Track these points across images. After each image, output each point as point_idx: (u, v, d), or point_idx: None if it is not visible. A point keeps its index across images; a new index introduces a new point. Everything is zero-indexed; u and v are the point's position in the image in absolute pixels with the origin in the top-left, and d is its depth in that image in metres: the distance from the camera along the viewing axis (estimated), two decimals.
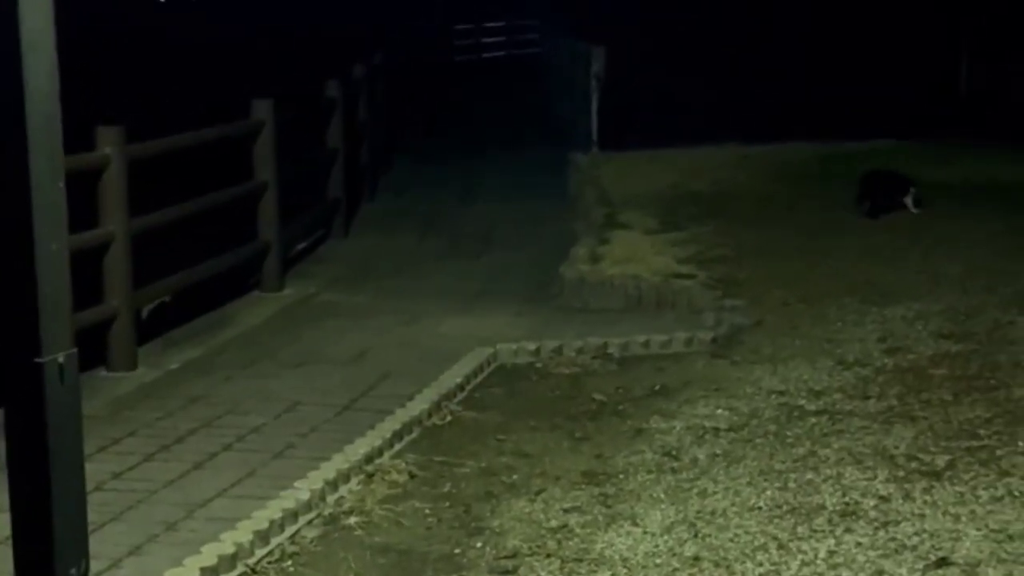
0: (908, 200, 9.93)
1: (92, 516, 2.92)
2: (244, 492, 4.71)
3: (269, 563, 4.23)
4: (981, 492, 4.58)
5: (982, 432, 5.19)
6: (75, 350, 2.62)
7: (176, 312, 7.48)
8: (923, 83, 17.74)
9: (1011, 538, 4.18)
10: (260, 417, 5.58)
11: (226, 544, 4.21)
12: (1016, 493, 4.56)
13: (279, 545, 4.35)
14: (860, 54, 18.57)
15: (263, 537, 4.33)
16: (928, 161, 12.55)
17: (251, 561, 4.21)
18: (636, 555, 4.21)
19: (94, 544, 2.82)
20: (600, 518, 4.52)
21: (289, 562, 4.26)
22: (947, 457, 4.93)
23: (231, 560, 4.16)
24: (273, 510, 4.49)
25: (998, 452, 4.96)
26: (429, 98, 19.42)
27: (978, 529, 4.26)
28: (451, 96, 20.94)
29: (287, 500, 4.58)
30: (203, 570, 4.04)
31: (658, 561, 4.16)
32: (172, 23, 20.91)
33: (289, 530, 4.45)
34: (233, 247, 8.01)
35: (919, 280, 7.77)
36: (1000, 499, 4.51)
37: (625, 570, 4.11)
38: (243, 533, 4.29)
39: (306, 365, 6.45)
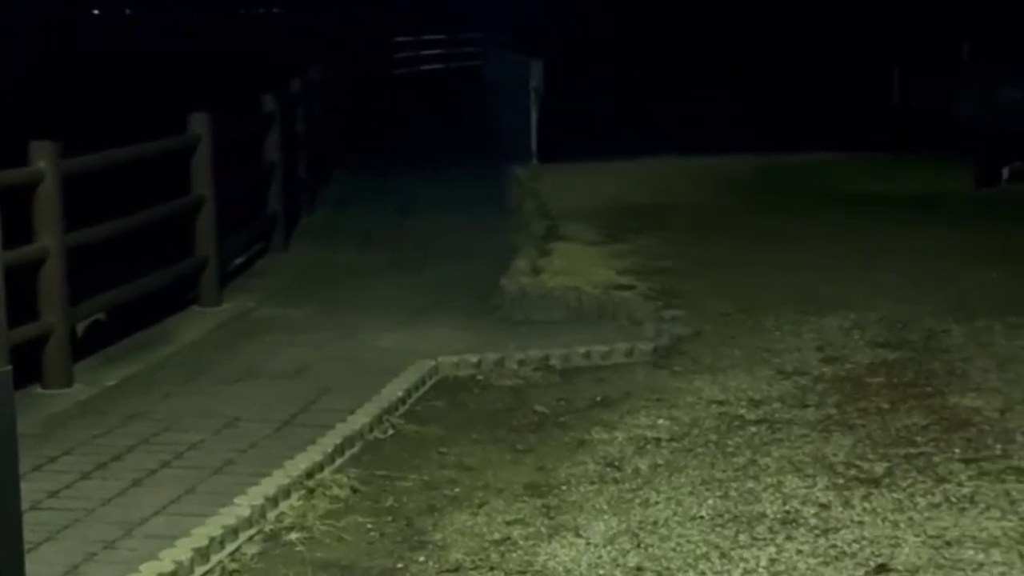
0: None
1: (28, 536, 2.88)
2: (183, 509, 4.66)
3: None
4: (919, 499, 4.63)
5: (919, 439, 5.26)
6: (9, 367, 2.58)
7: (113, 328, 7.39)
8: (859, 97, 17.97)
9: (949, 544, 4.24)
10: (199, 433, 5.52)
11: (165, 562, 4.16)
12: (953, 499, 4.62)
13: (219, 562, 4.31)
14: (798, 69, 18.78)
15: (203, 554, 4.29)
16: (864, 174, 12.73)
17: None
18: (579, 566, 4.21)
19: (30, 564, 2.78)
20: (543, 530, 4.52)
21: None
22: (885, 464, 4.98)
23: None
24: (213, 527, 4.44)
25: (935, 459, 5.03)
26: (368, 111, 19.38)
27: (916, 535, 4.31)
28: (390, 109, 20.90)
29: (227, 517, 4.54)
30: None
31: (601, 572, 4.16)
32: (109, 37, 20.75)
33: (229, 547, 4.41)
34: (171, 262, 7.93)
35: (856, 290, 7.86)
36: (938, 505, 4.57)
37: None
38: (182, 551, 4.25)
39: (245, 380, 6.40)
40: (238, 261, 9.43)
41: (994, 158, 12.80)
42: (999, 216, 10.42)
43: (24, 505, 2.87)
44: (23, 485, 2.77)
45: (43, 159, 6.29)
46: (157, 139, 8.09)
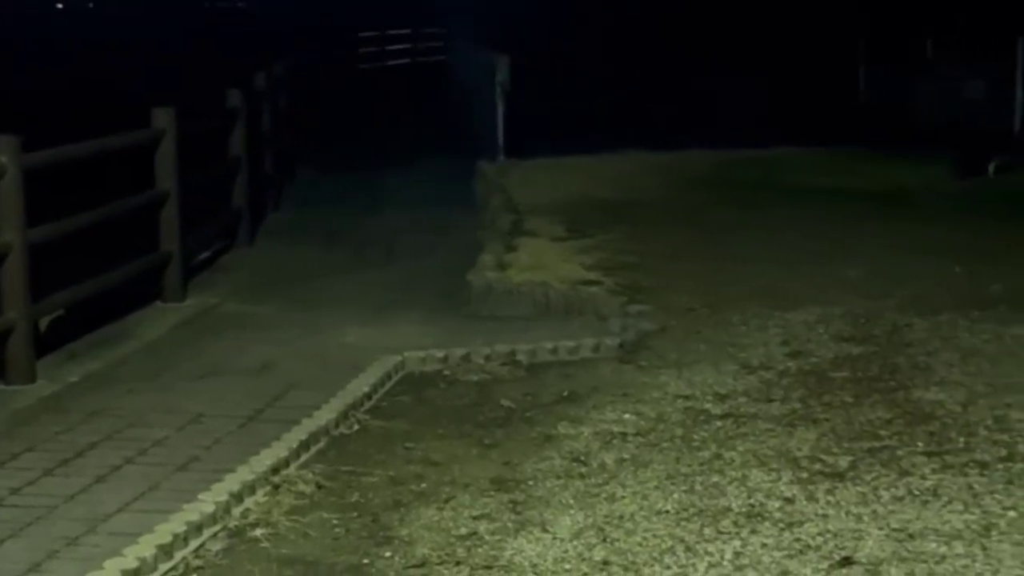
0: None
1: None
2: (147, 506, 4.63)
3: None
4: (883, 492, 4.66)
5: (883, 433, 5.29)
6: None
7: (76, 324, 7.34)
8: (823, 92, 18.07)
9: (912, 537, 4.27)
10: (163, 430, 5.49)
11: (129, 559, 4.14)
12: (916, 492, 4.65)
13: (183, 559, 4.28)
14: (761, 63, 18.86)
15: (167, 551, 4.26)
16: (828, 169, 12.79)
17: None
18: (545, 561, 4.21)
19: None
20: (509, 525, 4.52)
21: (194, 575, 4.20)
22: (849, 458, 5.01)
23: (134, 575, 4.08)
24: (177, 524, 4.42)
25: (898, 452, 5.06)
26: (334, 107, 19.31)
27: (880, 528, 4.34)
28: (356, 104, 20.84)
29: (191, 513, 4.51)
30: None
31: (567, 567, 4.17)
32: (73, 30, 20.58)
33: (193, 544, 4.38)
34: (135, 257, 7.88)
35: (820, 285, 7.90)
36: (901, 499, 4.60)
37: None
38: (146, 547, 4.22)
39: (210, 376, 6.36)
40: (202, 257, 9.38)
41: (979, 152, 12.91)
42: (962, 210, 10.50)
43: None
44: None
45: (5, 153, 6.24)
46: (120, 133, 8.05)
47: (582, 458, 5.16)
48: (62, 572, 4.07)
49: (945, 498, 4.58)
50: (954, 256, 8.58)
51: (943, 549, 4.17)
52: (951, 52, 18.04)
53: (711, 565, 4.12)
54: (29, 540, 4.32)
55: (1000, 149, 13.06)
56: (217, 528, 4.52)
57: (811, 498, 4.62)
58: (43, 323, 7.00)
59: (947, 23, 18.31)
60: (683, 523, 4.45)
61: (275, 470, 5.01)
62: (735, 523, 4.43)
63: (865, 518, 4.43)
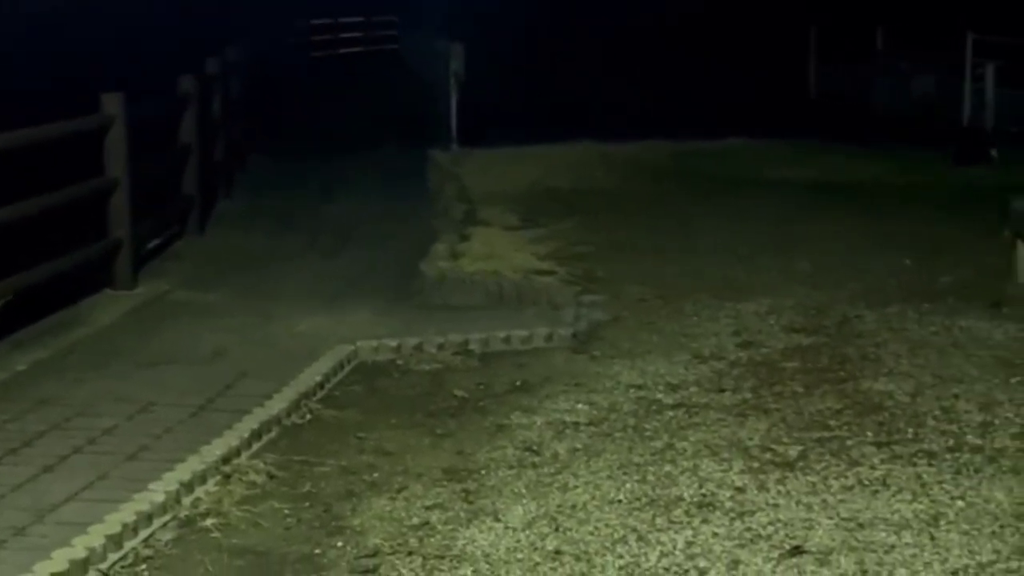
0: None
1: None
2: (96, 495, 4.58)
3: (123, 567, 4.13)
4: (832, 482, 4.70)
5: (832, 423, 5.33)
6: None
7: (23, 312, 7.25)
8: (774, 85, 18.18)
9: (862, 526, 4.30)
10: (112, 419, 5.43)
11: (77, 549, 4.09)
12: (866, 482, 4.69)
13: (133, 549, 4.25)
14: (714, 56, 18.94)
15: (116, 541, 4.22)
16: (780, 161, 12.87)
17: (104, 566, 4.10)
18: (498, 550, 4.21)
19: None
20: (462, 514, 4.52)
21: (143, 566, 4.16)
22: (799, 448, 5.05)
23: (83, 565, 4.04)
24: (126, 513, 4.37)
25: (848, 442, 5.10)
26: (286, 94, 19.18)
27: (830, 518, 4.37)
28: (308, 92, 20.72)
29: (141, 503, 4.47)
30: (53, 575, 3.93)
31: (520, 556, 4.17)
32: (21, 16, 20.30)
33: (143, 533, 4.35)
34: (84, 244, 7.79)
35: (771, 276, 7.96)
36: (851, 488, 4.64)
37: (487, 566, 4.11)
38: (95, 537, 4.18)
39: (160, 365, 6.31)
40: (153, 244, 9.30)
41: (978, 141, 13.06)
42: (913, 203, 10.59)
43: None
44: None
45: None
46: (69, 119, 7.95)
47: (535, 448, 5.17)
48: (10, 562, 4.02)
49: (894, 488, 4.62)
50: (904, 248, 8.66)
51: (892, 538, 4.20)
52: (901, 46, 18.20)
53: (663, 554, 4.14)
54: None
55: (996, 139, 13.23)
56: (167, 518, 4.48)
57: (762, 488, 4.65)
58: None
59: (898, 17, 18.47)
60: (635, 513, 4.46)
61: (226, 460, 4.97)
62: (687, 512, 4.45)
63: (815, 508, 4.46)
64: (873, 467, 4.83)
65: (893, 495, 4.56)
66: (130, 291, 7.95)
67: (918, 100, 16.46)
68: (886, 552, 4.11)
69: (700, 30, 19.65)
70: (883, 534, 4.24)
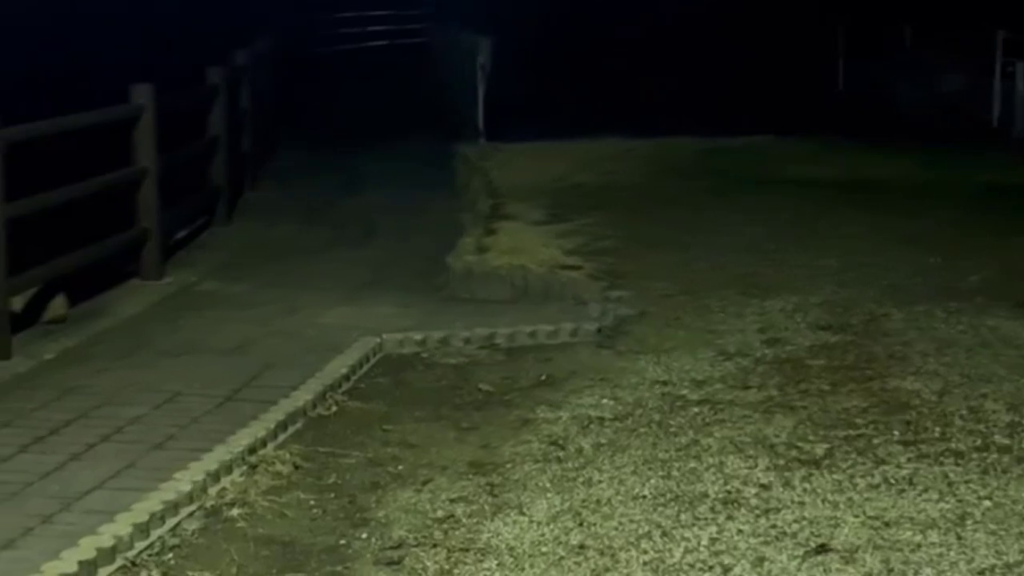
0: None
1: None
2: (123, 484, 4.61)
3: (149, 556, 4.15)
4: (858, 480, 4.69)
5: (859, 421, 5.32)
6: None
7: (53, 301, 7.28)
8: (802, 82, 18.10)
9: (887, 525, 4.29)
10: (139, 408, 5.46)
11: (104, 537, 4.12)
12: (892, 481, 4.67)
13: (160, 538, 4.27)
14: (740, 52, 18.88)
15: (143, 530, 4.25)
16: (807, 158, 12.82)
17: (131, 554, 4.12)
18: (522, 544, 4.22)
19: None
20: (486, 508, 4.52)
21: (170, 555, 4.18)
22: (825, 446, 5.03)
23: (110, 553, 4.07)
24: (153, 502, 4.40)
25: (874, 441, 5.09)
26: (313, 86, 19.23)
27: (856, 516, 4.36)
28: (335, 84, 20.75)
29: (167, 492, 4.50)
30: (81, 563, 3.95)
31: (544, 550, 4.17)
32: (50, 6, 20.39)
33: (170, 522, 4.37)
34: (113, 234, 7.83)
35: (797, 273, 7.93)
36: (877, 487, 4.62)
37: (511, 559, 4.12)
38: (122, 526, 4.20)
39: (187, 355, 6.34)
40: (181, 235, 9.34)
41: None
42: (940, 201, 10.53)
43: None
44: None
45: None
46: (99, 109, 8.00)
47: (560, 442, 5.17)
48: (37, 549, 4.05)
49: (921, 487, 4.61)
50: (931, 247, 8.62)
51: (918, 537, 4.19)
52: (930, 44, 18.10)
53: (687, 551, 4.13)
54: (3, 517, 4.30)
55: None
56: (193, 507, 4.50)
57: (787, 485, 4.64)
58: (20, 299, 6.95)
59: (926, 15, 18.36)
60: (660, 508, 4.46)
61: (252, 450, 4.99)
62: (712, 509, 4.44)
63: (841, 506, 4.45)
64: (900, 466, 4.82)
65: (919, 494, 4.55)
66: (157, 281, 7.99)
67: (946, 99, 16.36)
68: (912, 551, 4.10)
69: (728, 27, 19.58)
70: (909, 533, 4.23)
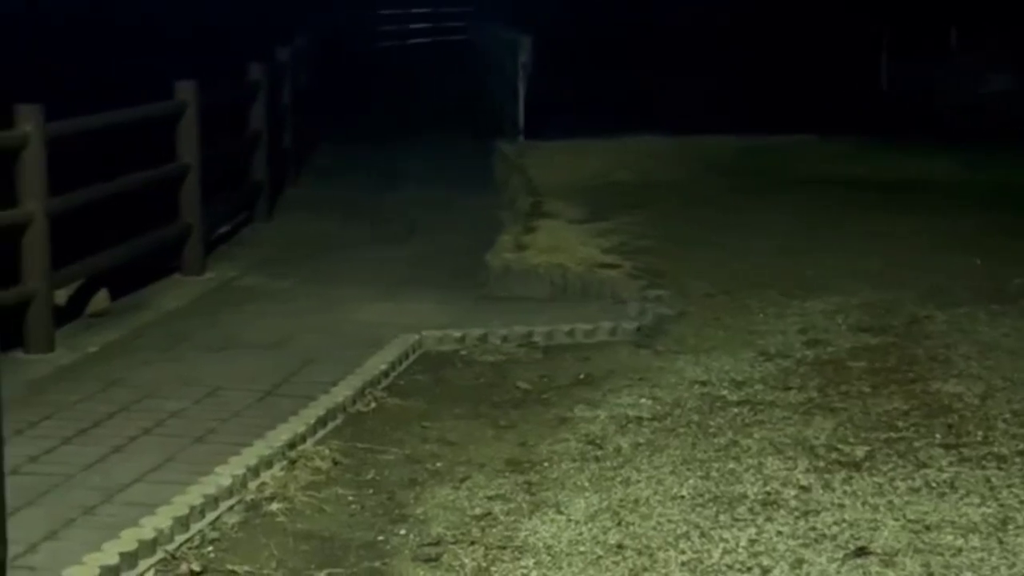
0: None
1: (8, 500, 2.85)
2: (164, 477, 4.64)
3: (189, 549, 4.18)
4: (899, 483, 4.65)
5: (900, 424, 5.28)
6: None
7: (96, 295, 7.34)
8: (845, 80, 17.98)
9: (928, 528, 4.26)
10: (180, 401, 5.50)
11: (145, 529, 4.15)
12: (933, 484, 4.64)
13: (199, 531, 4.30)
14: (784, 51, 18.77)
15: (183, 523, 4.27)
16: (849, 157, 12.75)
17: (171, 547, 4.15)
18: (560, 543, 4.21)
19: (10, 528, 2.76)
20: (524, 506, 4.53)
21: (210, 548, 4.20)
22: (866, 448, 5.00)
23: (151, 545, 4.10)
24: (193, 496, 4.43)
25: (915, 444, 5.05)
26: (354, 83, 19.29)
27: (896, 519, 4.33)
28: (376, 81, 20.81)
29: (207, 486, 4.52)
30: (122, 555, 3.98)
31: (582, 548, 4.17)
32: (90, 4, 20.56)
33: (210, 516, 4.40)
34: (154, 229, 7.89)
35: (839, 274, 7.88)
36: (918, 490, 4.59)
37: (549, 557, 4.11)
38: (163, 518, 4.23)
39: (227, 349, 6.38)
40: (222, 230, 9.39)
41: None
42: (983, 203, 10.44)
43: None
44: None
45: (28, 123, 6.25)
46: (143, 104, 8.05)
47: (597, 441, 5.16)
48: (79, 540, 4.09)
49: (962, 491, 4.57)
50: (974, 248, 8.55)
51: (959, 542, 4.16)
52: (975, 44, 17.94)
53: (726, 551, 4.12)
54: (46, 508, 4.34)
55: None
56: (233, 501, 4.53)
57: (827, 487, 4.61)
58: (63, 293, 7.02)
59: (972, 16, 18.20)
60: (698, 509, 4.45)
61: (292, 445, 5.02)
62: (751, 510, 4.42)
63: (881, 509, 4.42)
64: (941, 469, 4.78)
65: (961, 498, 4.51)
66: (199, 276, 8.03)
67: (991, 99, 16.21)
68: (953, 555, 4.07)
69: (770, 25, 19.48)
70: (950, 537, 4.19)
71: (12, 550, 3.24)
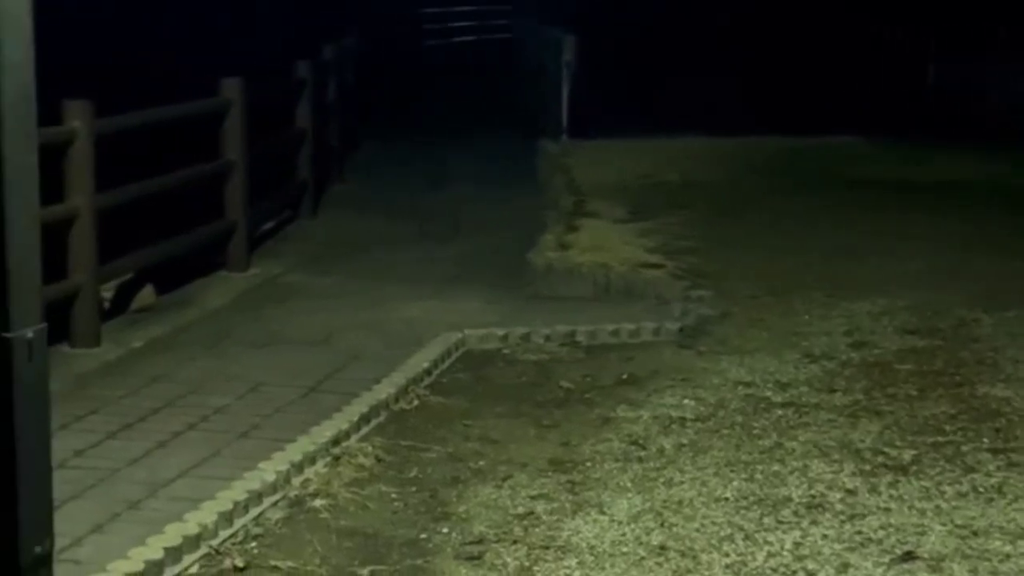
0: None
1: (54, 493, 2.87)
2: (208, 472, 4.67)
3: (233, 544, 4.19)
4: (946, 487, 4.60)
5: (947, 428, 5.22)
6: (44, 325, 2.58)
7: (141, 290, 7.40)
8: (892, 81, 17.83)
9: (975, 534, 4.21)
10: (224, 397, 5.53)
11: (190, 524, 4.17)
12: (981, 489, 4.59)
13: (243, 526, 4.31)
14: (831, 51, 18.64)
15: (227, 518, 4.29)
16: (895, 158, 12.64)
17: (215, 542, 4.17)
18: (603, 543, 4.20)
19: (56, 522, 2.78)
20: (567, 505, 4.51)
21: (254, 543, 4.22)
22: (913, 452, 4.95)
23: (195, 540, 4.12)
24: (237, 491, 4.45)
25: (963, 448, 4.99)
26: (399, 81, 19.33)
27: (943, 524, 4.29)
28: (421, 80, 20.84)
29: (252, 481, 4.54)
30: (166, 550, 4.00)
31: (624, 549, 4.15)
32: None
33: (254, 512, 4.41)
34: (200, 226, 7.93)
35: (885, 276, 7.81)
36: (965, 495, 4.54)
37: (592, 558, 4.10)
38: (207, 513, 4.25)
39: (271, 346, 6.40)
40: (267, 227, 9.43)
41: None
42: None
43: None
44: None
45: (77, 118, 6.30)
46: (189, 102, 8.09)
47: (640, 442, 5.14)
48: (124, 535, 4.11)
49: (1010, 496, 4.52)
50: (1022, 251, 8.44)
51: (1008, 548, 4.11)
52: None
53: (770, 555, 4.09)
54: (91, 502, 4.37)
55: None
56: (277, 497, 4.54)
57: (873, 491, 4.57)
58: (110, 289, 7.07)
59: (1020, 12, 17.98)
60: (742, 511, 4.42)
61: (336, 442, 5.03)
62: (795, 513, 4.39)
63: (928, 513, 4.37)
64: (989, 474, 4.72)
65: (1009, 503, 4.46)
66: (243, 273, 8.07)
67: None
68: (1001, 562, 4.02)
69: (816, 25, 19.35)
70: (998, 543, 4.14)
71: (58, 543, 3.26)
